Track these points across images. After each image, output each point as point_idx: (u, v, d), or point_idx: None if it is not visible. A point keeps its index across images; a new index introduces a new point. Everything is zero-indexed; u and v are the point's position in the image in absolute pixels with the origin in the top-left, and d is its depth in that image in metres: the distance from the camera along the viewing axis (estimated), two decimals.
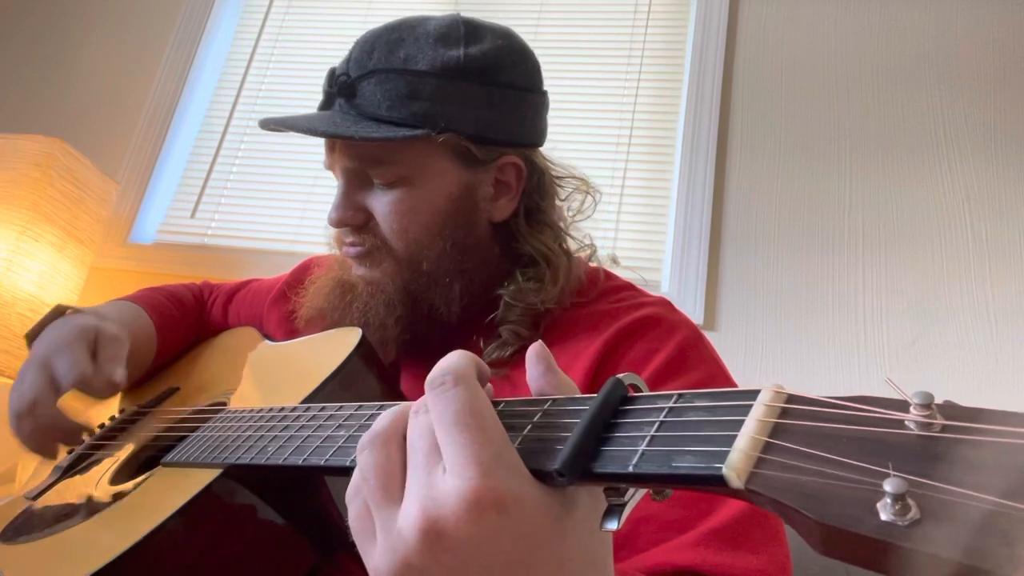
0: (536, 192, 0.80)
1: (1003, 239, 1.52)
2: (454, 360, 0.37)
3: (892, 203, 1.59)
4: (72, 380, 0.77)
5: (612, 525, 0.34)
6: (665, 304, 0.77)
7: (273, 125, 0.77)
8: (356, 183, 0.77)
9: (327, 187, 1.78)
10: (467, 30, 0.77)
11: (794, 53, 1.76)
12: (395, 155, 0.74)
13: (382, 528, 0.36)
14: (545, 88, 0.83)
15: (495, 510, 0.32)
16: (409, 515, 0.34)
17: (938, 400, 0.25)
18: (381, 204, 0.76)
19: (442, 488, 0.33)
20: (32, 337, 0.86)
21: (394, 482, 0.36)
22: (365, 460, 0.37)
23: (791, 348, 1.51)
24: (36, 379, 0.79)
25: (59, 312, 0.88)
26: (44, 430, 0.78)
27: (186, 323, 1.04)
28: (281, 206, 1.84)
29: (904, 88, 1.68)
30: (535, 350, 0.40)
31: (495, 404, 0.41)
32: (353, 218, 0.77)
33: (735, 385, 0.69)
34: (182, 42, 2.01)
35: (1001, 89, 1.64)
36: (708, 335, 0.76)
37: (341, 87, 0.76)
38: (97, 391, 0.79)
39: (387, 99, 0.73)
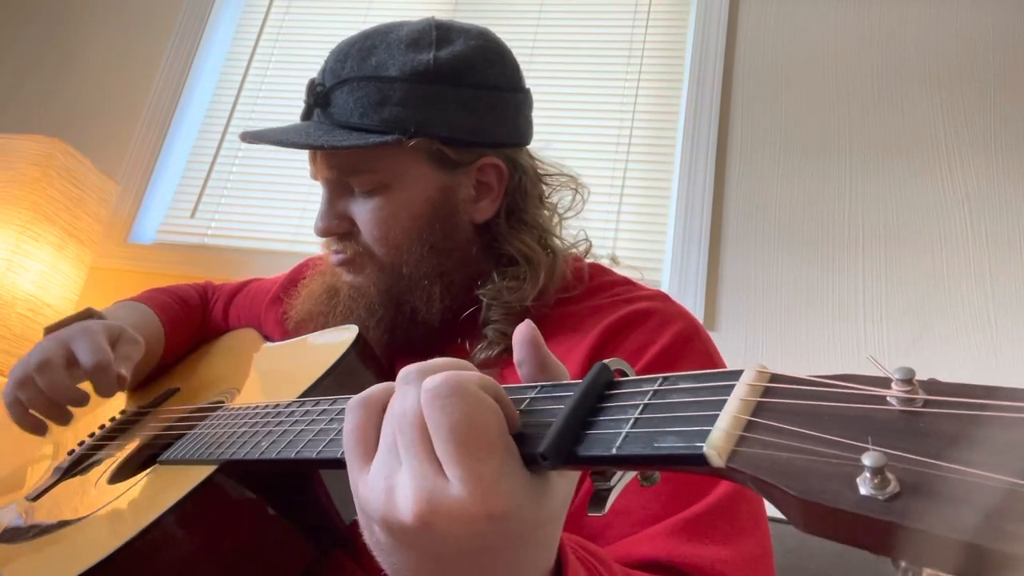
0: (518, 192, 0.79)
1: (1003, 239, 1.51)
2: (451, 366, 0.37)
3: (892, 203, 1.59)
4: (92, 363, 0.75)
5: (598, 511, 0.33)
6: (662, 297, 0.76)
7: (250, 138, 0.78)
8: (338, 192, 0.77)
9: None
10: (439, 34, 0.76)
11: (794, 53, 1.76)
12: (371, 163, 0.74)
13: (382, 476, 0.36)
14: (527, 86, 0.82)
15: (489, 520, 0.33)
16: (408, 497, 0.34)
17: (921, 377, 0.25)
18: (362, 212, 0.76)
19: (444, 491, 0.33)
20: (52, 331, 0.84)
21: (367, 445, 0.37)
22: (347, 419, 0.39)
23: (791, 348, 1.50)
24: (50, 346, 0.77)
25: (87, 315, 0.87)
26: (47, 395, 0.75)
27: (192, 324, 1.05)
28: (281, 206, 1.84)
29: (904, 88, 1.68)
30: (521, 332, 0.39)
31: None
32: (337, 227, 0.77)
33: None
34: (182, 42, 2.02)
35: (1001, 89, 1.63)
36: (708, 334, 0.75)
37: (316, 97, 0.76)
38: (106, 385, 0.77)
39: (359, 107, 0.73)
